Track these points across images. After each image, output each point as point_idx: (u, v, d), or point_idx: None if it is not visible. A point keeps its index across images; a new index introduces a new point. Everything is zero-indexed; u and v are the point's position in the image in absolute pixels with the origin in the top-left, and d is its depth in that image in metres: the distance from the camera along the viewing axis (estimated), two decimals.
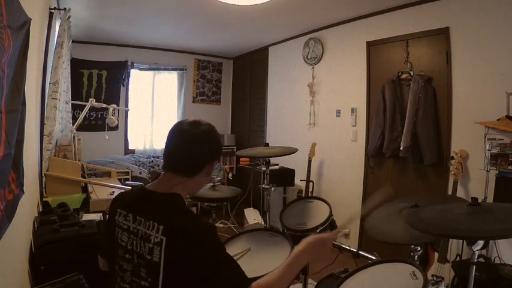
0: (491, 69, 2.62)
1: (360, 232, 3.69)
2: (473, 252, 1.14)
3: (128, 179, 3.98)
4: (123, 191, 2.86)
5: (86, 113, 3.46)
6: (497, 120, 2.48)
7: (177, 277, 0.90)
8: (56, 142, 3.06)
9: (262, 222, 3.85)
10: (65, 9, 2.82)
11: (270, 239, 1.87)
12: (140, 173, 4.33)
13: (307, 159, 3.95)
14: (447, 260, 2.40)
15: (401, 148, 3.07)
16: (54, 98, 2.63)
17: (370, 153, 3.47)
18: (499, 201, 2.37)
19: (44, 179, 2.64)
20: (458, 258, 2.48)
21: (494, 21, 2.61)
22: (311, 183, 4.00)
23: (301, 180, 4.15)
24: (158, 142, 5.54)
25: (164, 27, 4.36)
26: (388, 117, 3.24)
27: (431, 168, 3.04)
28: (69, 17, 2.95)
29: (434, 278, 1.59)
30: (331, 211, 2.08)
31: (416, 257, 1.47)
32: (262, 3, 2.91)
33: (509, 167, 2.37)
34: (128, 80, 5.33)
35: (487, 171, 2.46)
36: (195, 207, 4.69)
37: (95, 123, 5.06)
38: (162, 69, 5.60)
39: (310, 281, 2.15)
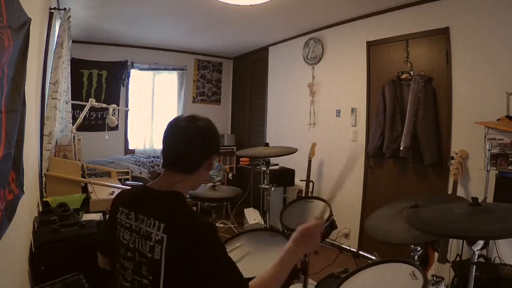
0: (491, 69, 2.62)
1: (360, 232, 3.69)
2: (473, 252, 1.14)
3: (128, 179, 3.98)
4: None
5: (86, 113, 3.46)
6: (497, 120, 2.48)
7: (178, 275, 0.90)
8: (56, 142, 3.06)
9: (262, 222, 3.85)
10: (65, 9, 2.82)
11: (270, 239, 1.87)
12: (140, 173, 4.33)
13: (307, 159, 3.95)
14: (447, 260, 2.40)
15: (401, 148, 3.07)
16: (54, 98, 2.63)
17: (370, 153, 3.47)
18: (499, 201, 2.37)
19: (44, 179, 2.64)
20: (458, 258, 2.48)
21: (494, 21, 2.61)
22: (311, 183, 4.00)
23: (301, 180, 4.15)
24: (158, 142, 5.53)
25: (164, 27, 4.36)
26: (388, 117, 3.24)
27: (431, 168, 3.04)
28: (69, 17, 2.95)
29: (434, 278, 1.59)
30: (331, 211, 2.08)
31: (416, 257, 1.47)
32: (262, 3, 2.91)
33: (509, 167, 2.37)
34: (128, 80, 5.33)
35: (487, 171, 2.46)
36: (195, 207, 4.69)
37: (95, 123, 5.06)
38: (162, 69, 5.60)
39: (310, 281, 2.15)
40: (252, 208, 4.28)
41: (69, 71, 3.74)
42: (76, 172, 2.87)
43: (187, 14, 3.76)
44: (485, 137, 2.50)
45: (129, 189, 1.15)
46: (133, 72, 5.39)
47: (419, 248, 1.48)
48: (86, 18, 3.88)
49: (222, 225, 4.47)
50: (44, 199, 2.50)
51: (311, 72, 4.36)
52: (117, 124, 4.72)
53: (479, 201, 1.17)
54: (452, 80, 2.89)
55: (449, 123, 2.91)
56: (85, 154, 4.17)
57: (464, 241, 1.92)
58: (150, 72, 5.54)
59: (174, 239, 0.90)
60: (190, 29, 4.46)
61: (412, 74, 3.14)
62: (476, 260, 1.16)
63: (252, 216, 4.10)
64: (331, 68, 4.11)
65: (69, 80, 3.75)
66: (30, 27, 1.33)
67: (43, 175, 2.60)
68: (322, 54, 4.21)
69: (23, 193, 1.38)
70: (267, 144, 2.62)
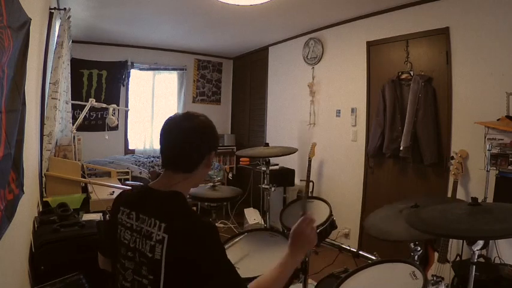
0: (491, 69, 2.62)
1: (360, 232, 3.70)
2: (473, 252, 1.14)
3: (128, 179, 3.98)
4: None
5: (86, 113, 3.46)
6: (497, 120, 2.48)
7: (178, 275, 0.90)
8: (56, 142, 3.06)
9: (262, 222, 3.85)
10: (65, 9, 2.82)
11: (270, 239, 1.87)
12: (140, 173, 4.33)
13: (307, 159, 3.95)
14: (447, 260, 2.40)
15: (401, 148, 3.07)
16: (54, 98, 2.63)
17: (370, 153, 3.47)
18: (499, 201, 2.37)
19: (44, 179, 2.64)
20: (458, 258, 2.48)
21: (494, 21, 2.61)
22: (311, 183, 4.00)
23: (301, 180, 4.16)
24: (158, 142, 5.50)
25: (164, 27, 4.36)
26: (388, 117, 3.24)
27: (431, 168, 3.04)
28: (69, 17, 2.95)
29: (434, 278, 1.59)
30: (331, 211, 2.08)
31: (416, 257, 1.47)
32: (262, 3, 2.91)
33: (509, 167, 2.37)
34: (128, 80, 5.33)
35: (487, 171, 2.46)
36: (195, 207, 4.69)
37: (95, 123, 5.06)
38: (162, 69, 5.60)
39: (310, 281, 2.15)
40: (252, 208, 4.28)
41: (69, 71, 3.74)
42: (76, 172, 2.87)
43: (187, 14, 3.76)
44: (485, 137, 2.50)
45: (130, 189, 1.15)
46: (133, 72, 5.39)
47: (419, 248, 1.48)
48: (86, 18, 3.88)
49: (222, 225, 4.47)
50: (44, 199, 2.50)
51: (311, 72, 4.36)
52: (117, 124, 4.73)
53: (479, 201, 1.17)
54: (452, 80, 2.89)
55: (449, 123, 2.91)
56: (85, 154, 4.17)
57: (464, 241, 1.92)
58: (150, 72, 5.54)
59: (174, 239, 0.90)
60: (190, 29, 4.46)
61: (412, 74, 3.14)
62: (476, 260, 1.16)
63: (252, 216, 4.11)
64: (331, 68, 4.11)
65: (69, 80, 3.75)
66: (30, 27, 1.33)
67: (43, 175, 2.60)
68: (322, 54, 4.21)
69: (23, 193, 1.38)
70: (267, 144, 2.62)
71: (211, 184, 2.37)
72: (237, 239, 1.80)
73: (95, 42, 4.98)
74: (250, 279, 0.98)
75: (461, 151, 2.71)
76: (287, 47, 4.86)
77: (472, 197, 1.19)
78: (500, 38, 2.57)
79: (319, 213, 2.12)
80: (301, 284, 1.62)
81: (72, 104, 3.91)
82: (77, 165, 2.94)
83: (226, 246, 1.78)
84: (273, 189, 2.45)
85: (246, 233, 1.87)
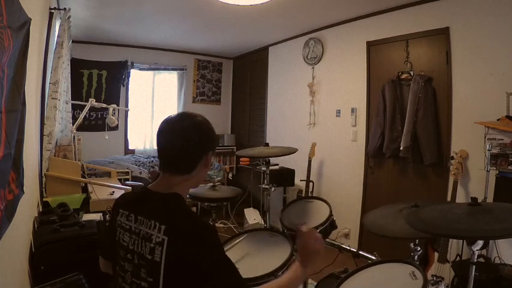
0: (491, 69, 2.62)
1: (360, 232, 3.69)
2: (473, 252, 1.14)
3: (128, 179, 3.98)
4: (125, 192, 2.86)
5: (86, 113, 3.46)
6: (497, 120, 2.48)
7: (177, 277, 0.90)
8: (56, 142, 3.06)
9: (262, 222, 3.85)
10: (65, 9, 2.82)
11: (270, 239, 1.87)
12: (140, 173, 4.33)
13: (307, 159, 3.95)
14: (447, 260, 2.40)
15: (401, 148, 3.07)
16: (54, 98, 2.63)
17: (370, 153, 3.47)
18: (499, 201, 2.37)
19: (44, 179, 2.64)
20: (458, 258, 2.48)
21: (494, 21, 2.61)
22: (311, 183, 4.00)
23: (301, 180, 4.15)
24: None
25: (164, 27, 4.36)
26: (388, 117, 3.24)
27: (431, 168, 3.04)
28: (69, 17, 2.95)
29: (434, 278, 1.59)
30: (331, 211, 2.08)
31: (416, 257, 1.47)
32: (262, 3, 2.91)
33: (509, 167, 2.37)
34: (128, 80, 5.33)
35: (487, 171, 2.46)
36: (195, 207, 4.69)
37: (95, 123, 5.06)
38: (162, 69, 5.60)
39: (310, 281, 2.15)
40: (252, 208, 4.28)
41: (69, 71, 3.73)
42: (76, 172, 2.87)
43: (187, 14, 3.76)
44: (485, 137, 2.50)
45: (129, 191, 1.15)
46: (133, 72, 5.39)
47: (419, 248, 1.48)
48: (86, 18, 3.88)
49: (222, 225, 4.47)
50: (44, 199, 2.50)
51: (311, 72, 4.36)
52: (117, 124, 4.72)
53: (479, 201, 1.17)
54: (452, 80, 2.89)
55: (449, 123, 2.91)
56: (85, 154, 4.17)
57: (464, 241, 1.92)
58: (150, 72, 5.54)
59: (174, 240, 0.90)
60: (190, 29, 4.46)
61: (412, 74, 3.14)
62: (476, 260, 1.16)
63: (252, 216, 4.10)
64: (331, 68, 4.11)
65: (69, 80, 3.75)
66: (30, 27, 1.33)
67: (43, 175, 2.60)
68: (322, 54, 4.21)
69: (23, 193, 1.38)
70: (267, 144, 2.62)
71: (211, 184, 2.37)
72: (237, 240, 1.80)
73: (95, 42, 4.98)
74: (251, 279, 0.98)
75: (461, 151, 2.71)
76: (287, 47, 4.86)
77: (471, 197, 1.19)
78: (500, 38, 2.57)
79: (319, 213, 2.13)
80: (301, 284, 1.62)
81: (72, 104, 3.91)
82: (77, 165, 2.94)
83: (226, 247, 1.78)
84: (273, 189, 2.45)
85: (246, 234, 1.87)
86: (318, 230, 1.97)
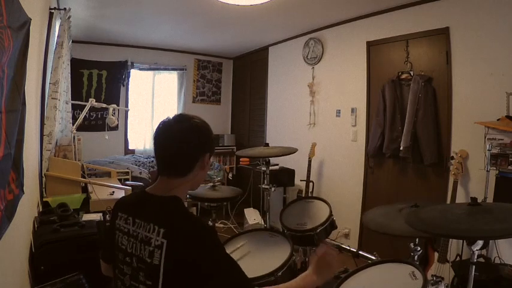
0: (491, 69, 2.62)
1: (360, 232, 3.69)
2: (473, 252, 1.14)
3: (128, 179, 3.98)
4: (125, 192, 2.86)
5: (86, 113, 3.46)
6: (497, 120, 2.48)
7: (176, 279, 0.89)
8: (56, 142, 3.06)
9: (262, 222, 3.85)
10: (65, 9, 2.82)
11: (270, 239, 1.87)
12: (140, 173, 4.33)
13: (307, 159, 3.95)
14: (447, 260, 2.40)
15: (401, 148, 3.06)
16: (54, 98, 2.63)
17: (370, 153, 3.47)
18: (499, 201, 2.37)
19: (44, 179, 2.64)
20: (458, 258, 2.48)
21: (494, 21, 2.61)
22: (311, 183, 4.00)
23: (301, 180, 4.15)
24: None
25: (164, 27, 4.36)
26: (388, 117, 3.24)
27: (431, 168, 3.04)
28: (69, 17, 2.95)
29: (434, 278, 1.59)
30: (331, 211, 2.08)
31: (416, 257, 1.47)
32: (262, 3, 2.91)
33: (509, 167, 2.37)
34: (128, 80, 5.33)
35: (487, 171, 2.46)
36: (195, 207, 4.69)
37: (95, 123, 5.06)
38: (162, 69, 5.60)
39: None
40: (252, 208, 4.28)
41: (69, 71, 3.73)
42: (76, 172, 2.87)
43: (187, 14, 3.76)
44: (485, 137, 2.50)
45: (128, 194, 1.15)
46: (133, 72, 5.39)
47: (419, 248, 1.48)
48: (86, 18, 3.88)
49: (222, 225, 4.47)
50: (44, 199, 2.50)
51: (311, 72, 4.36)
52: (117, 124, 4.72)
53: (479, 201, 1.17)
54: (452, 80, 2.89)
55: (449, 123, 2.91)
56: (85, 154, 4.17)
57: (464, 241, 1.92)
58: (150, 72, 5.54)
59: (174, 243, 0.90)
60: (190, 29, 4.46)
61: (412, 74, 3.14)
62: (476, 260, 1.16)
63: (252, 216, 4.11)
64: (331, 68, 4.11)
65: (69, 80, 3.75)
66: (30, 27, 1.33)
67: (43, 175, 2.60)
68: (322, 54, 4.21)
69: (23, 193, 1.38)
70: (267, 144, 2.62)
71: (211, 184, 2.37)
72: (238, 246, 1.79)
73: (95, 42, 4.98)
74: (251, 279, 0.98)
75: (461, 151, 2.71)
76: (287, 47, 4.85)
77: (471, 197, 1.19)
78: (500, 38, 2.57)
79: (319, 213, 2.13)
80: None
81: (72, 104, 3.91)
82: (77, 165, 2.94)
83: (226, 247, 1.78)
84: (273, 189, 2.45)
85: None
86: (318, 230, 1.97)
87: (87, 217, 2.17)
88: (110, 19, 4.00)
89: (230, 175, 5.25)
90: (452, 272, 2.32)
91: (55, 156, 2.92)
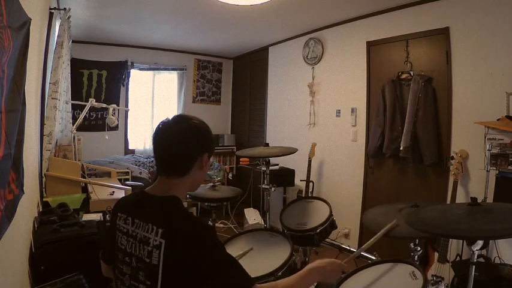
0: (491, 69, 2.62)
1: (360, 232, 3.70)
2: (473, 252, 1.14)
3: (128, 179, 3.98)
4: (124, 193, 2.86)
5: (86, 113, 3.46)
6: (497, 120, 2.48)
7: (175, 279, 0.89)
8: (56, 142, 3.06)
9: (262, 222, 3.85)
10: (65, 9, 2.82)
11: (270, 239, 1.87)
12: (140, 173, 4.33)
13: (307, 159, 3.95)
14: (447, 260, 2.40)
15: (401, 148, 3.07)
16: (54, 98, 2.63)
17: (370, 153, 3.47)
18: (499, 201, 2.37)
19: (44, 179, 2.64)
20: (458, 258, 2.48)
21: (494, 21, 2.61)
22: (311, 183, 4.00)
23: (301, 180, 4.15)
24: None
25: (164, 27, 4.36)
26: (388, 117, 3.24)
27: (431, 168, 3.04)
28: (69, 17, 2.95)
29: (434, 278, 1.59)
30: (331, 211, 2.08)
31: (416, 257, 1.47)
32: (262, 3, 2.91)
33: (509, 167, 2.37)
34: (128, 80, 5.33)
35: (487, 171, 2.46)
36: (195, 208, 4.69)
37: (95, 123, 5.06)
38: (162, 69, 5.60)
39: None
40: (252, 208, 4.29)
41: (69, 71, 3.73)
42: (76, 172, 2.87)
43: (187, 14, 3.76)
44: (485, 137, 2.50)
45: (128, 194, 1.16)
46: (133, 72, 5.39)
47: (419, 248, 1.48)
48: (86, 18, 3.88)
49: (222, 225, 4.47)
50: (44, 199, 2.50)
51: (311, 72, 4.36)
52: (117, 124, 4.72)
53: (479, 201, 1.17)
54: (452, 80, 2.89)
55: (449, 123, 2.91)
56: (85, 154, 4.17)
57: (464, 241, 1.92)
58: (150, 72, 5.54)
59: (172, 243, 0.90)
60: (190, 29, 4.46)
61: (412, 74, 3.14)
62: (476, 260, 1.16)
63: (252, 216, 4.11)
64: (331, 68, 4.11)
65: (69, 80, 3.75)
66: (30, 27, 1.33)
67: (43, 175, 2.60)
68: (322, 54, 4.21)
69: (23, 193, 1.38)
70: (267, 144, 2.62)
71: (211, 184, 2.37)
72: (238, 245, 1.78)
73: (95, 42, 4.98)
74: (257, 279, 0.98)
75: (461, 151, 2.71)
76: (287, 47, 4.86)
77: (471, 197, 1.19)
78: (500, 38, 2.57)
79: (319, 213, 2.13)
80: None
81: (72, 104, 3.91)
82: (77, 165, 2.94)
83: (226, 247, 1.78)
84: (273, 189, 2.45)
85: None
86: (318, 230, 1.97)
87: (87, 217, 2.17)
88: (110, 19, 4.00)
89: (230, 175, 5.25)
90: (452, 272, 2.32)
91: (55, 156, 2.92)
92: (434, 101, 2.99)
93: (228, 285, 0.89)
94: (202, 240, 0.91)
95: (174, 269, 0.89)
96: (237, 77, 6.26)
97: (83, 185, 2.98)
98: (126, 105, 5.28)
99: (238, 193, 2.37)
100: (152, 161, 4.83)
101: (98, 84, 5.09)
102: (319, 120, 4.28)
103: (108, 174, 3.92)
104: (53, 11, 2.61)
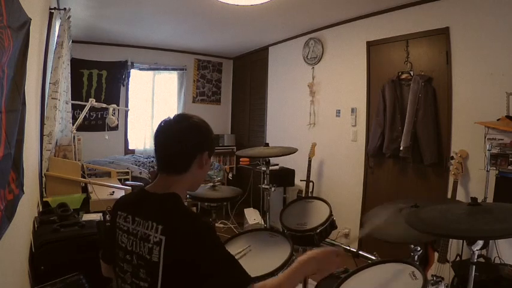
0: (491, 69, 2.62)
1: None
2: (473, 252, 1.14)
3: (127, 179, 3.98)
4: (124, 192, 2.86)
5: (86, 113, 3.46)
6: (497, 120, 2.48)
7: (176, 277, 0.90)
8: (56, 142, 3.06)
9: (262, 222, 3.85)
10: (65, 9, 2.82)
11: (270, 239, 1.87)
12: (140, 173, 4.33)
13: (307, 159, 3.95)
14: (447, 260, 2.40)
15: (401, 148, 3.07)
16: (54, 98, 2.63)
17: (370, 153, 3.47)
18: (499, 201, 2.37)
19: (44, 179, 2.64)
20: (458, 258, 2.48)
21: (494, 21, 2.61)
22: (311, 183, 4.00)
23: (301, 180, 4.15)
24: None
25: (164, 27, 4.36)
26: (388, 117, 3.24)
27: (431, 168, 3.04)
28: (69, 17, 2.95)
29: (434, 278, 1.59)
30: (331, 211, 2.08)
31: (416, 257, 1.47)
32: (262, 3, 2.91)
33: (509, 167, 2.37)
34: (128, 80, 5.33)
35: (487, 171, 2.46)
36: (195, 207, 4.69)
37: (95, 123, 5.06)
38: (162, 69, 5.60)
39: (310, 281, 2.15)
40: (252, 208, 4.29)
41: (69, 71, 3.73)
42: (76, 172, 2.87)
43: (187, 14, 3.76)
44: (485, 137, 2.50)
45: (128, 193, 1.16)
46: (133, 72, 5.39)
47: (419, 248, 1.48)
48: (86, 18, 3.88)
49: (222, 225, 4.47)
50: (44, 199, 2.50)
51: (311, 72, 4.36)
52: (117, 124, 4.72)
53: (479, 201, 1.17)
54: (452, 80, 2.89)
55: (449, 123, 2.91)
56: (85, 154, 4.17)
57: (464, 241, 1.92)
58: (150, 72, 5.54)
59: (172, 240, 0.90)
60: (190, 29, 4.46)
61: (412, 74, 3.14)
62: (476, 260, 1.16)
63: (252, 216, 4.11)
64: (331, 68, 4.11)
65: (69, 80, 3.75)
66: (30, 27, 1.33)
67: (43, 175, 2.60)
68: (322, 54, 4.21)
69: (23, 193, 1.38)
70: (267, 144, 2.62)
71: (211, 184, 2.37)
72: (238, 245, 1.78)
73: (95, 42, 4.98)
74: (256, 278, 0.97)
75: (461, 151, 2.71)
76: (287, 47, 4.85)
77: (471, 197, 1.19)
78: (500, 38, 2.57)
79: (319, 213, 2.13)
80: (301, 284, 1.62)
81: (72, 104, 3.91)
82: (77, 165, 2.94)
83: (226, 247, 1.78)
84: (273, 189, 2.45)
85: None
86: (318, 230, 1.97)
87: (87, 217, 2.17)
88: (110, 19, 4.00)
89: (230, 175, 5.25)
90: (452, 272, 2.32)
91: (55, 156, 2.92)
92: (434, 101, 2.99)
93: (227, 285, 0.89)
94: (202, 239, 0.91)
95: (174, 267, 0.90)
96: (237, 77, 6.26)
97: (83, 185, 2.98)
98: (126, 105, 5.28)
99: (238, 193, 2.36)
100: (152, 161, 4.83)
101: (98, 84, 5.09)
102: (319, 120, 4.28)
103: (108, 174, 3.92)
104: (53, 11, 2.61)
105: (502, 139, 2.43)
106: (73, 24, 3.53)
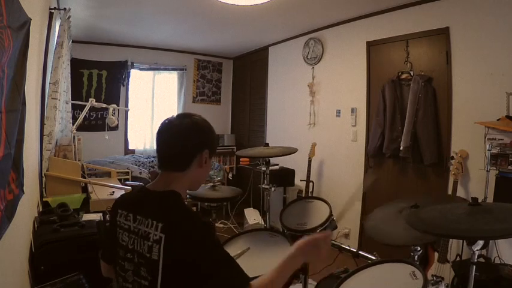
0: (491, 69, 2.62)
1: (360, 232, 3.69)
2: (473, 252, 1.14)
3: (128, 179, 3.98)
4: (124, 192, 2.86)
5: (86, 113, 3.46)
6: (497, 120, 2.48)
7: (176, 275, 0.90)
8: (56, 142, 3.06)
9: (262, 222, 3.85)
10: (65, 9, 2.82)
11: (270, 239, 1.87)
12: (140, 173, 4.33)
13: (307, 159, 3.95)
14: (447, 260, 2.40)
15: (401, 148, 3.07)
16: (54, 98, 2.63)
17: (370, 153, 3.47)
18: (499, 201, 2.37)
19: (44, 179, 2.64)
20: (458, 258, 2.48)
21: (494, 21, 2.61)
22: (311, 183, 4.00)
23: (301, 180, 4.15)
24: None
25: (164, 27, 4.36)
26: (388, 117, 3.24)
27: (431, 168, 3.04)
28: (69, 17, 2.95)
29: (434, 278, 1.59)
30: (331, 211, 2.08)
31: (416, 257, 1.47)
32: (262, 3, 2.91)
33: (509, 167, 2.37)
34: (128, 80, 5.33)
35: (487, 171, 2.46)
36: (195, 207, 4.69)
37: (95, 123, 5.06)
38: (162, 69, 5.60)
39: (310, 281, 2.15)
40: (252, 208, 4.29)
41: (69, 71, 3.73)
42: (76, 172, 2.87)
43: (187, 14, 3.76)
44: (485, 137, 2.50)
45: (128, 192, 1.16)
46: (133, 72, 5.39)
47: (419, 248, 1.48)
48: (86, 18, 3.88)
49: (222, 225, 4.47)
50: (44, 199, 2.50)
51: (311, 72, 4.36)
52: (117, 124, 4.72)
53: (479, 201, 1.17)
54: (452, 80, 2.89)
55: (449, 123, 2.91)
56: (85, 154, 4.17)
57: (464, 241, 1.92)
58: (150, 72, 5.54)
59: (172, 238, 0.90)
60: (190, 29, 4.46)
61: (412, 74, 3.14)
62: (476, 260, 1.16)
63: (252, 216, 4.11)
64: (331, 68, 4.11)
65: (69, 80, 3.75)
66: (30, 27, 1.33)
67: (43, 175, 2.60)
68: (322, 54, 4.21)
69: (23, 193, 1.38)
70: (267, 144, 2.62)
71: (211, 184, 2.37)
72: (238, 245, 1.78)
73: (95, 42, 4.98)
74: (253, 279, 0.97)
75: (461, 151, 2.71)
76: (287, 47, 4.85)
77: (472, 197, 1.19)
78: (500, 38, 2.57)
79: (319, 213, 2.12)
80: (301, 284, 1.62)
81: (72, 104, 3.91)
82: (77, 165, 2.94)
83: (226, 247, 1.78)
84: (273, 189, 2.45)
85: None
86: (318, 230, 1.97)
87: (87, 217, 2.18)
88: (110, 19, 4.00)
89: (230, 175, 5.25)
90: (452, 272, 2.32)
91: (55, 156, 2.92)
92: (434, 101, 2.99)
93: (227, 285, 0.90)
94: (202, 240, 0.91)
95: (174, 267, 0.90)
96: (237, 77, 6.26)
97: (83, 185, 2.99)
98: (126, 105, 5.28)
99: (238, 193, 2.36)
100: (152, 161, 4.84)
101: (98, 84, 5.09)
102: (319, 120, 4.28)
103: (108, 174, 3.92)
104: (53, 11, 2.61)
105: (502, 139, 2.42)
106: (73, 24, 3.53)
